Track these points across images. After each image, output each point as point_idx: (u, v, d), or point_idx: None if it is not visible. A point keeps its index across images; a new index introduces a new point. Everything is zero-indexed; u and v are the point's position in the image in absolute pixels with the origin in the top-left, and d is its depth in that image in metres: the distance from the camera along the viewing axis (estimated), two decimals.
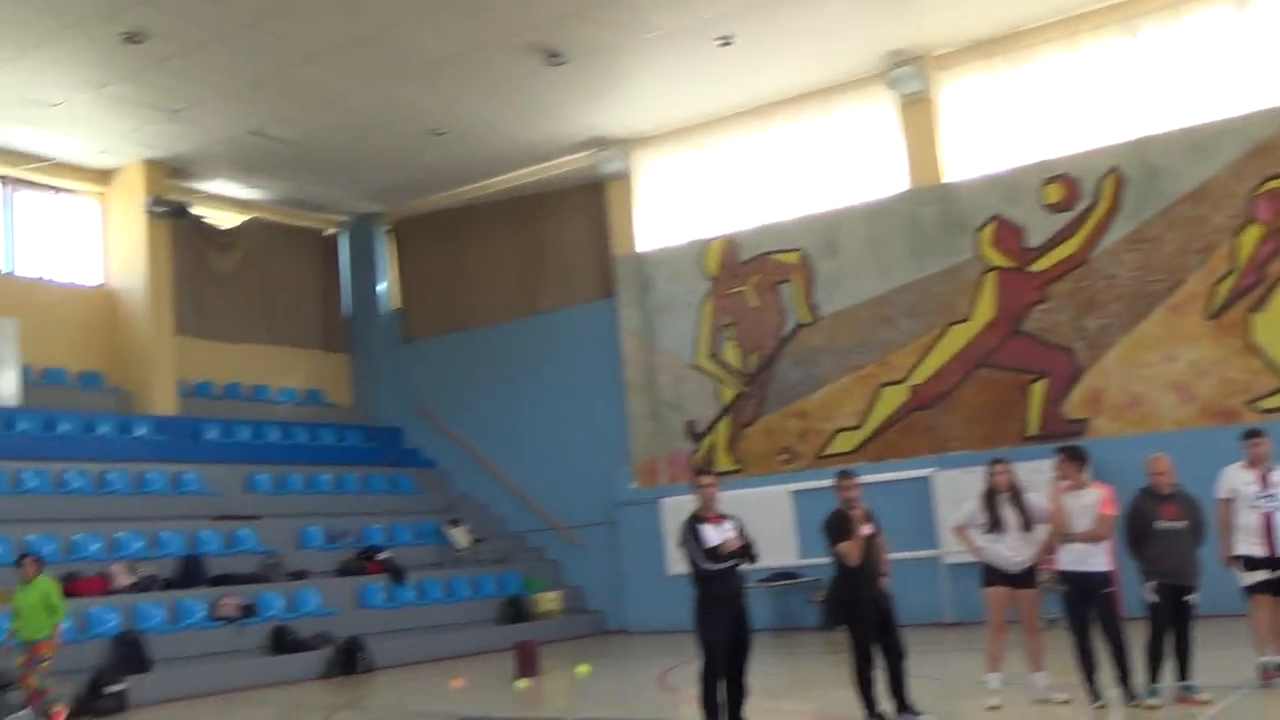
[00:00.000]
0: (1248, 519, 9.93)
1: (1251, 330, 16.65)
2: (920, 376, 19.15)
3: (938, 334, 19.05)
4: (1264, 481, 9.94)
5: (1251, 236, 16.76)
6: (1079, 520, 9.56)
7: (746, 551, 9.07)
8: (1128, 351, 17.52)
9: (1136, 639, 9.57)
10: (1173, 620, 9.52)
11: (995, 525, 9.98)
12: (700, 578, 9.06)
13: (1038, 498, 10.14)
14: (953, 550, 15.82)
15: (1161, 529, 9.47)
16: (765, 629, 18.44)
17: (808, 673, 14.24)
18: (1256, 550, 9.89)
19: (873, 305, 19.72)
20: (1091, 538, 9.49)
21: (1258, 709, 9.20)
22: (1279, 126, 16.66)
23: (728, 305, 21.25)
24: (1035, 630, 10.09)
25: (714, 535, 9.01)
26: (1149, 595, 9.53)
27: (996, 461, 10.26)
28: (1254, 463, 10.03)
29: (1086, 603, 9.50)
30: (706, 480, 9.26)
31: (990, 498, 10.08)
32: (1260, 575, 9.88)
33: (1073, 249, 18.08)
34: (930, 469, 18.20)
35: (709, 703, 8.96)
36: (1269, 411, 16.11)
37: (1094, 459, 12.21)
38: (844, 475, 9.68)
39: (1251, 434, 10.27)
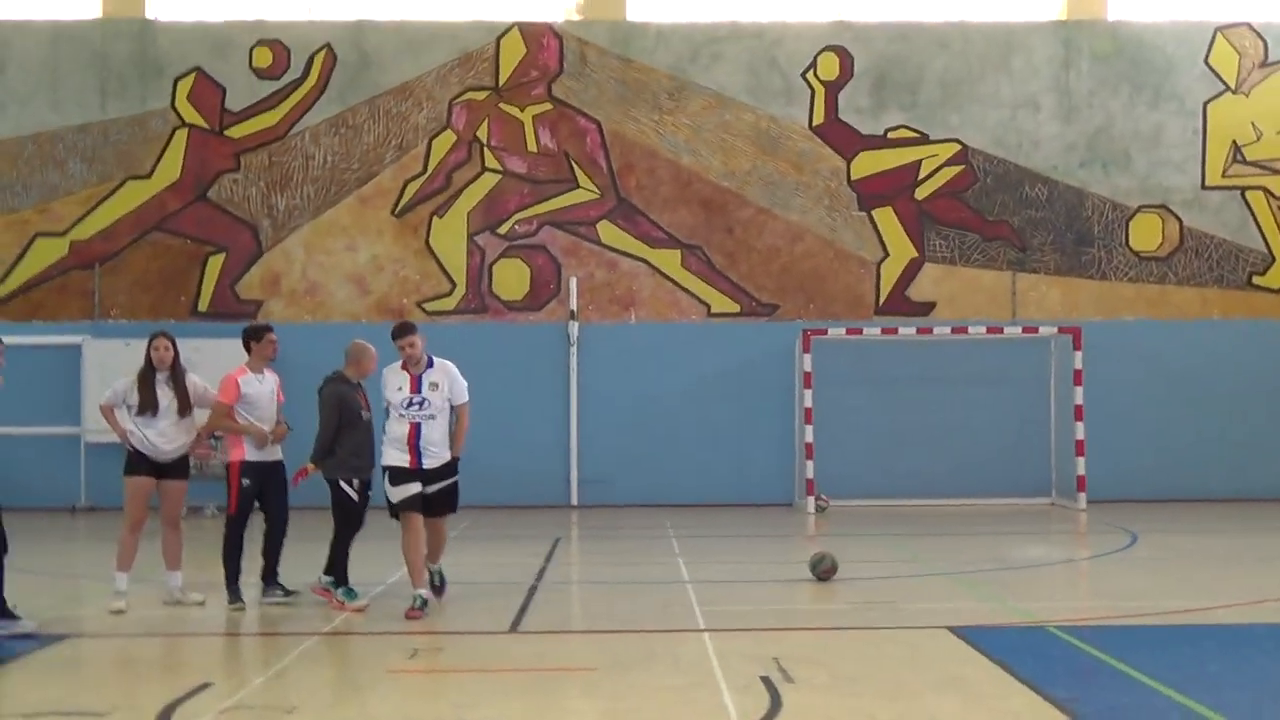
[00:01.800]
0: (398, 428, 8.71)
1: (431, 233, 17.07)
2: (85, 232, 17.01)
3: (114, 187, 17.05)
4: (415, 386, 8.71)
5: (445, 142, 17.16)
6: (266, 408, 8.98)
7: None
8: (313, 236, 17.11)
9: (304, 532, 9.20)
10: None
11: (148, 407, 8.82)
12: None
13: (199, 380, 9.17)
14: (97, 429, 14.20)
15: (366, 419, 8.99)
16: None
17: None
18: (403, 461, 8.70)
19: (42, 141, 17.09)
20: (280, 432, 9.01)
21: (390, 606, 8.87)
22: (485, 40, 17.16)
23: None
24: (178, 525, 9.16)
25: None
26: (354, 493, 8.86)
27: (159, 335, 9.17)
28: (406, 364, 8.74)
29: (261, 494, 8.98)
30: None
31: (147, 376, 8.91)
32: (411, 489, 8.70)
33: (273, 120, 17.19)
34: (83, 336, 16.44)
35: None
36: (435, 314, 16.67)
37: None
38: None
39: (401, 330, 8.73)
